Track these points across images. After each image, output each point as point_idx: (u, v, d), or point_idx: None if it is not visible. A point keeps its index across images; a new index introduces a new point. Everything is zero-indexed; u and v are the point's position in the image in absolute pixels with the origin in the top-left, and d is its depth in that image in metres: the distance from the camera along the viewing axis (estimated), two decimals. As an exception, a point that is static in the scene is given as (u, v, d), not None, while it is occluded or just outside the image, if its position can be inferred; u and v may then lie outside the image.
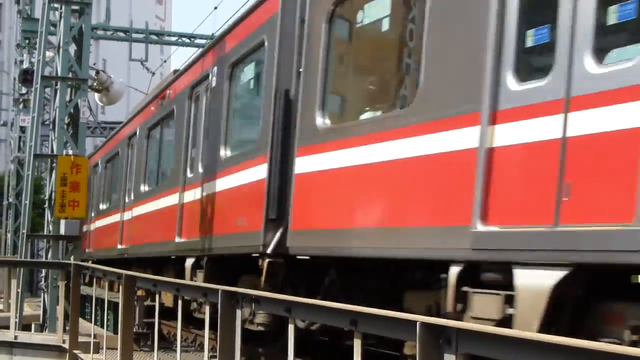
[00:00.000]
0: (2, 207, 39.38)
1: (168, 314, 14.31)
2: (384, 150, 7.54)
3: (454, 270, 6.47)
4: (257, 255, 9.79)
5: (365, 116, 8.46)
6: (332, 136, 8.50)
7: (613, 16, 5.54)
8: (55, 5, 16.74)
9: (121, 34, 31.29)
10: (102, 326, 16.06)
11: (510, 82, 6.17)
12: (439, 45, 6.97)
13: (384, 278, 8.16)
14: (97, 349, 11.60)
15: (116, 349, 9.82)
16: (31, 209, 17.42)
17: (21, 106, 33.21)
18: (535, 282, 5.72)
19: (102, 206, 23.26)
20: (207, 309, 7.60)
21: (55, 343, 12.78)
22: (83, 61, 16.38)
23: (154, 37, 32.27)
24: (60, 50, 16.21)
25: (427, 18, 7.10)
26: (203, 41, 29.73)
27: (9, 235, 34.72)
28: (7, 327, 13.85)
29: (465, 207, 6.37)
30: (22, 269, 16.43)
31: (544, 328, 5.55)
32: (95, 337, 11.70)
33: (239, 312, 6.64)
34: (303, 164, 8.91)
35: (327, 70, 8.77)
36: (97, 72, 20.18)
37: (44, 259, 17.45)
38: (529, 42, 6.20)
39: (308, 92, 8.97)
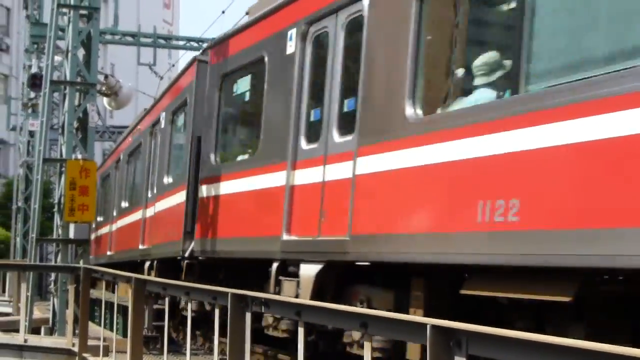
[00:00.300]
0: (11, 211, 39.47)
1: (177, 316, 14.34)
2: (243, 184, 10.97)
3: (274, 266, 9.71)
4: (180, 258, 13.30)
5: (239, 158, 11.79)
6: (219, 171, 11.93)
7: (346, 106, 8.76)
8: (64, 10, 16.78)
9: (129, 39, 31.36)
10: (111, 330, 16.09)
11: (303, 143, 9.42)
12: (269, 115, 10.47)
13: (254, 273, 10.85)
14: (107, 352, 11.62)
15: (125, 352, 9.85)
16: (40, 213, 17.47)
17: (30, 111, 33.31)
18: (307, 273, 8.85)
19: (100, 218, 25.85)
20: (216, 312, 7.63)
21: (64, 346, 12.79)
22: (92, 66, 16.43)
23: (161, 41, 32.31)
24: (69, 54, 16.26)
25: (264, 97, 10.59)
26: (211, 45, 29.77)
27: (18, 239, 34.81)
28: (17, 331, 13.89)
29: (279, 223, 9.53)
30: (31, 273, 16.47)
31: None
32: (104, 340, 11.72)
33: (248, 315, 6.66)
34: (203, 190, 12.41)
35: (218, 123, 12.26)
36: (106, 77, 20.15)
37: (53, 263, 17.48)
38: (312, 118, 9.43)
39: (207, 137, 12.40)
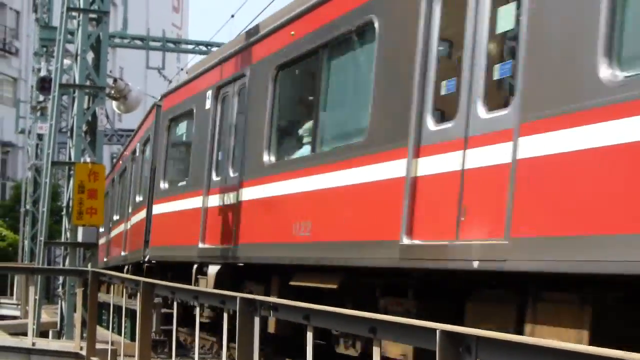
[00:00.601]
0: (19, 214, 39.54)
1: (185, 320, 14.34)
2: (177, 204, 14.43)
3: (194, 267, 13.12)
4: (142, 262, 17.17)
5: (180, 184, 15.06)
6: (165, 194, 15.56)
7: (237, 150, 12.00)
8: (73, 13, 16.78)
9: (138, 42, 31.45)
10: (119, 333, 16.09)
11: (214, 175, 12.76)
12: (194, 153, 13.96)
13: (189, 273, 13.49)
14: (115, 356, 11.61)
15: (133, 356, 9.83)
16: (48, 216, 17.46)
17: (39, 114, 33.38)
18: (212, 272, 12.28)
19: (101, 229, 27.31)
20: (225, 316, 7.62)
21: (72, 350, 12.78)
22: (101, 69, 16.43)
23: (170, 45, 32.41)
24: (78, 58, 16.27)
25: (193, 139, 14.21)
26: (219, 49, 29.78)
27: (26, 243, 34.85)
28: (25, 334, 13.90)
29: (197, 234, 12.81)
30: (39, 276, 16.48)
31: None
32: (112, 344, 11.71)
33: (257, 319, 6.64)
34: (154, 209, 16.13)
35: (166, 156, 16.00)
36: (115, 80, 20.13)
37: (61, 266, 17.46)
38: (219, 158, 12.66)
39: (159, 167, 16.21)
